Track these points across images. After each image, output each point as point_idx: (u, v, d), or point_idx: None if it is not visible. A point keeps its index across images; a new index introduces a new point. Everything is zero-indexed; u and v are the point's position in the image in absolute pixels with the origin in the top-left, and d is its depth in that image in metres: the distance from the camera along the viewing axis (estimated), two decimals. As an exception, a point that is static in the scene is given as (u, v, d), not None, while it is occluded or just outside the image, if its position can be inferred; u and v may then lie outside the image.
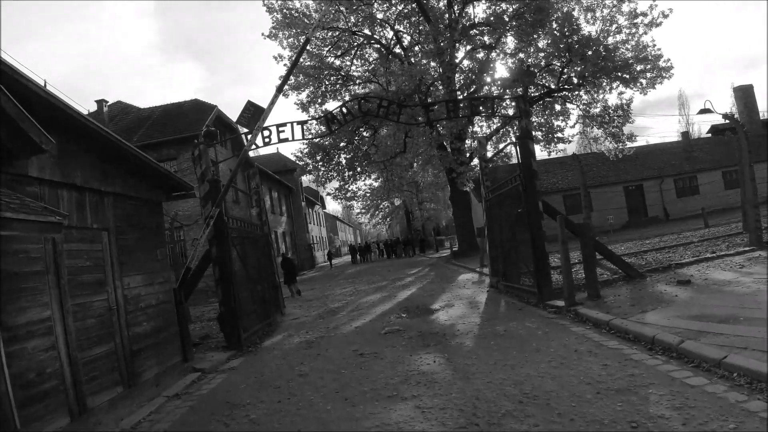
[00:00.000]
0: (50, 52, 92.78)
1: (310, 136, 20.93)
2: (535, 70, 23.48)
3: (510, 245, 11.13)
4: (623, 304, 7.93)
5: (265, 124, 9.31)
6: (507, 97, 18.25)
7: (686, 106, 60.08)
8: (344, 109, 9.70)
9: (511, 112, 24.11)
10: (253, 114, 8.58)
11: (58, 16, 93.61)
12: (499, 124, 24.24)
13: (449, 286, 14.37)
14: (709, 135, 40.78)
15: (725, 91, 76.90)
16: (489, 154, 14.71)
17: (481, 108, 10.21)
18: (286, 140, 9.30)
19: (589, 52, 20.71)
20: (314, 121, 15.31)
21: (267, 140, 9.32)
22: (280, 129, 9.31)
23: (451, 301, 11.35)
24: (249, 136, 8.82)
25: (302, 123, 9.43)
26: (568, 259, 8.51)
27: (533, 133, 19.08)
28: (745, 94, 36.86)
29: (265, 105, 8.63)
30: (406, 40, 27.85)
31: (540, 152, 29.59)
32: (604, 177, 33.21)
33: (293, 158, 26.48)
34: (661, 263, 11.19)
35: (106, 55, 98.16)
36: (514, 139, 11.84)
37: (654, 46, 22.86)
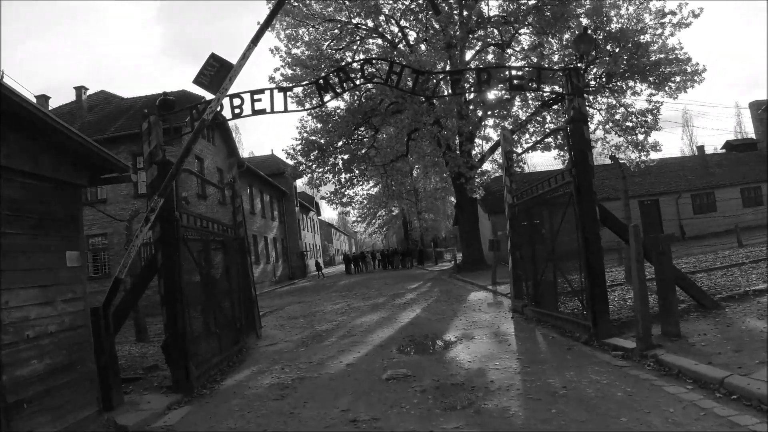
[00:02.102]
0: (53, 52, 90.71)
1: (295, 108, 18.47)
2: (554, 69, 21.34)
3: (545, 263, 8.81)
4: (719, 347, 5.67)
5: (238, 91, 7.03)
6: (556, 68, 15.74)
7: (690, 123, 58.21)
8: (341, 74, 7.36)
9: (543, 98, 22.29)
10: (218, 72, 6.28)
11: (62, 16, 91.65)
12: (530, 111, 21.83)
13: (461, 307, 12.01)
14: (724, 150, 39.05)
15: (727, 109, 75.27)
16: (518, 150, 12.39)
17: (521, 82, 7.89)
18: (262, 111, 7.00)
19: (617, 49, 18.59)
20: (300, 89, 12.99)
21: (237, 111, 7.01)
22: (256, 97, 7.01)
23: (469, 329, 8.99)
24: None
25: (285, 90, 7.11)
26: (645, 284, 6.18)
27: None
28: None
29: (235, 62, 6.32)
30: (412, 36, 25.71)
31: (554, 161, 27.51)
32: (617, 189, 31.20)
33: (285, 156, 24.05)
34: (730, 289, 8.90)
35: (109, 57, 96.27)
36: (547, 131, 9.52)
37: (681, 49, 20.86)
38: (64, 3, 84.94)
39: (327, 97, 7.65)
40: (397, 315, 11.76)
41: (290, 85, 6.88)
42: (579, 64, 17.60)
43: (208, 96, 7.01)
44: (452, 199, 49.17)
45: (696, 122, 67.27)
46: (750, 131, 58.78)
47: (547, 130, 22.20)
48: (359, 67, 7.80)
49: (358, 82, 8.03)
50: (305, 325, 11.68)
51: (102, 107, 27.27)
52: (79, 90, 27.40)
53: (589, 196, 7.09)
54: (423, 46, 23.96)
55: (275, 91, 7.00)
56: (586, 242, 7.03)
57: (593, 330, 7.04)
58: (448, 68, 21.89)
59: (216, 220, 8.89)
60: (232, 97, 7.04)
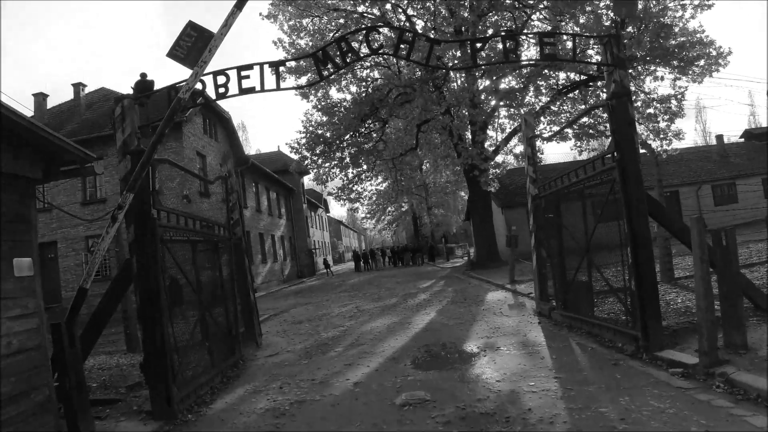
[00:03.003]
0: (54, 50, 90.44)
1: (289, 84, 17.34)
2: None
3: (579, 260, 7.77)
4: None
5: (224, 67, 6.04)
6: (593, 35, 14.42)
7: (702, 113, 56.47)
8: (342, 45, 6.32)
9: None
10: (196, 42, 5.31)
11: (64, 13, 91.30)
12: (546, 100, 20.61)
13: (479, 310, 10.99)
14: (743, 140, 37.67)
15: (740, 100, 73.08)
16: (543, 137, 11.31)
17: (553, 50, 6.82)
18: (251, 90, 6.01)
19: (639, 30, 17.36)
20: (294, 63, 11.95)
21: (222, 90, 6.02)
22: (243, 74, 6.01)
23: (492, 336, 7.98)
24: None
25: (277, 65, 6.09)
26: (710, 287, 5.14)
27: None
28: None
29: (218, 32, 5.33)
30: (420, 25, 24.56)
31: (570, 151, 26.31)
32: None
33: (288, 151, 23.06)
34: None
35: (113, 55, 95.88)
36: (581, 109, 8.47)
37: (703, 32, 19.61)
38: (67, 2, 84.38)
39: (327, 71, 6.60)
40: (410, 319, 10.77)
41: (283, 58, 5.84)
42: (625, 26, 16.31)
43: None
44: (462, 193, 48.15)
45: (708, 112, 65.42)
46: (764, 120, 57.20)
47: (563, 121, 21.01)
48: (363, 38, 6.74)
49: (362, 54, 6.99)
50: (310, 332, 10.71)
51: (101, 104, 26.44)
52: (77, 87, 26.57)
53: (636, 183, 6.03)
54: (432, 35, 22.87)
55: (266, 66, 5.99)
56: (633, 236, 5.98)
57: (642, 341, 6.00)
58: (458, 56, 20.82)
59: (205, 219, 7.93)
60: (215, 74, 6.05)
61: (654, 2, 19.23)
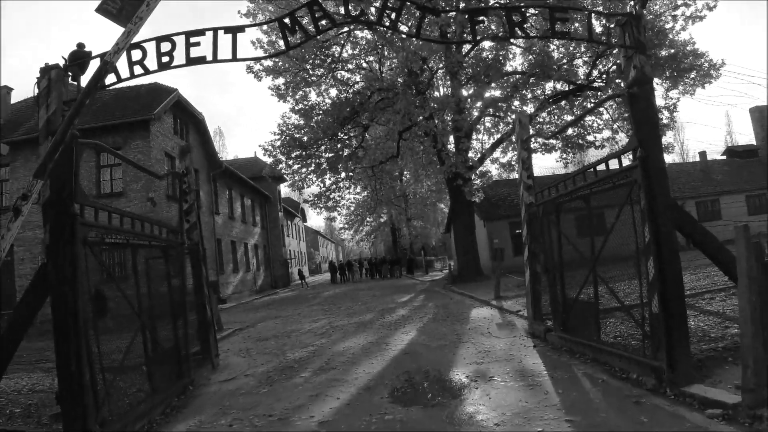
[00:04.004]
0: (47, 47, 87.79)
1: (251, 54, 15.82)
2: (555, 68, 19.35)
3: (582, 276, 6.80)
4: None
5: (167, 32, 4.95)
6: (610, 13, 13.52)
7: (682, 129, 57.00)
8: (315, 8, 5.22)
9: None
10: (128, -6, 4.22)
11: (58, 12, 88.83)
12: (538, 104, 19.71)
13: (464, 329, 9.95)
14: (725, 157, 37.93)
15: (719, 117, 74.22)
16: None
17: (564, 27, 5.90)
18: (201, 60, 4.91)
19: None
20: (257, 29, 10.74)
21: (167, 59, 4.91)
22: (193, 40, 4.92)
23: (482, 362, 6.93)
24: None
25: (234, 30, 5.01)
26: (756, 309, 4.19)
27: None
28: (761, 115, 33.92)
29: None
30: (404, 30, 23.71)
31: (556, 163, 25.66)
32: (606, 199, 29.71)
33: (262, 153, 21.87)
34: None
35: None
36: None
37: (694, 44, 19.22)
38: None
39: (294, 39, 5.54)
40: (388, 338, 9.67)
41: (242, 24, 4.87)
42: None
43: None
44: (442, 205, 47.33)
45: (687, 128, 66.04)
46: (745, 137, 58.02)
47: (552, 129, 20.23)
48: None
49: (338, 20, 5.97)
50: (275, 351, 9.52)
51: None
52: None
53: (662, 184, 5.09)
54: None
55: (221, 32, 4.91)
56: (659, 248, 5.02)
57: (667, 373, 5.02)
58: (442, 63, 19.99)
59: (149, 218, 6.73)
60: (159, 40, 4.94)
61: (645, 11, 18.75)
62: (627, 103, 5.48)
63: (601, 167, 6.39)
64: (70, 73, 5.37)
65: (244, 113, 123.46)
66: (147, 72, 4.98)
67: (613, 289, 6.18)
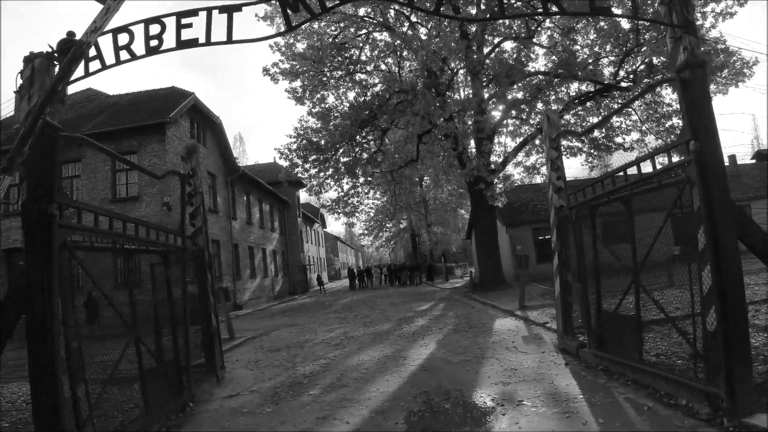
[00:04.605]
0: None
1: (247, 38, 15.71)
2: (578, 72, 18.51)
3: (627, 286, 6.08)
4: None
5: (158, 13, 4.44)
6: None
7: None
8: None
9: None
10: (108, -36, 3.72)
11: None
12: (563, 105, 18.88)
13: (487, 342, 9.25)
14: (753, 161, 36.58)
15: (745, 121, 71.94)
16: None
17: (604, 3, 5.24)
18: (193, 43, 4.37)
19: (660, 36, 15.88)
20: (257, 17, 10.21)
21: (155, 42, 4.39)
22: (184, 22, 4.39)
23: (509, 382, 6.25)
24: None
25: (230, 10, 4.42)
26: None
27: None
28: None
29: None
30: (423, 32, 23.10)
31: (581, 166, 24.73)
32: (643, 201, 28.61)
33: (278, 156, 21.40)
34: None
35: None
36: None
37: (724, 42, 18.29)
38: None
39: (297, 17, 4.99)
40: (406, 352, 9.02)
41: (238, 2, 4.36)
42: None
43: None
44: (463, 211, 46.48)
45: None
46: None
47: (579, 129, 19.35)
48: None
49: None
50: (286, 363, 8.96)
51: (83, 105, 24.98)
52: (61, 86, 25.04)
53: (720, 183, 4.39)
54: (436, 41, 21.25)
55: (215, 12, 4.37)
56: (717, 256, 4.32)
57: (726, 401, 4.31)
58: (463, 64, 19.30)
59: (144, 222, 6.22)
60: (147, 22, 4.43)
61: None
62: (678, 89, 4.79)
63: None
64: (57, 63, 4.90)
65: (264, 119, 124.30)
66: (134, 57, 4.47)
67: (660, 303, 5.46)
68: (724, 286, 4.34)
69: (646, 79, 18.25)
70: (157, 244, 6.32)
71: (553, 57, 19.86)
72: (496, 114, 20.10)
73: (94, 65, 4.77)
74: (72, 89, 21.64)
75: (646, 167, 5.71)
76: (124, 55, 4.52)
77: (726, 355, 4.34)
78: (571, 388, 5.81)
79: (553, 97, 20.15)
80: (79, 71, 4.78)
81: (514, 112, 20.12)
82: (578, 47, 19.68)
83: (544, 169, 19.65)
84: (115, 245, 5.41)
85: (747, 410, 4.28)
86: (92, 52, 4.80)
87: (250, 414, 6.02)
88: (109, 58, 4.51)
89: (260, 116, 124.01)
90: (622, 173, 6.01)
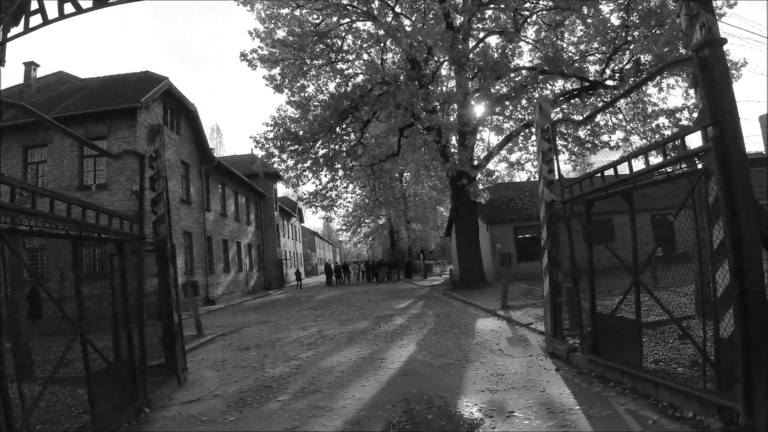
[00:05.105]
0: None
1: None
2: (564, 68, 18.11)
3: (628, 286, 5.63)
4: None
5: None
6: None
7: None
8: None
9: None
10: None
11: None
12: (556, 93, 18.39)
13: (470, 344, 8.75)
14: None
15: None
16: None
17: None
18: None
19: (656, 30, 15.55)
20: None
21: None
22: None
23: (497, 390, 5.73)
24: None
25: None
26: None
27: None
28: (772, 123, 32.93)
29: None
30: (407, 23, 22.47)
31: (564, 165, 24.45)
32: (622, 203, 28.40)
33: (253, 145, 20.63)
34: None
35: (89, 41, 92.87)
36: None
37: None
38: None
39: None
40: (384, 353, 8.46)
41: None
42: None
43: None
44: (442, 209, 46.08)
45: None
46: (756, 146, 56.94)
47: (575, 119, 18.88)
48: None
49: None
50: (254, 365, 8.32)
51: (54, 88, 23.85)
52: (29, 66, 23.80)
53: (743, 174, 3.93)
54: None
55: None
56: (737, 252, 3.86)
57: (744, 416, 3.86)
58: (448, 56, 18.75)
59: (97, 207, 5.49)
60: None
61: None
62: (696, 69, 4.31)
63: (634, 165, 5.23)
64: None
65: (244, 113, 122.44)
66: (79, 10, 3.80)
67: (665, 306, 5.01)
68: (745, 286, 3.88)
69: (633, 78, 17.99)
70: (109, 231, 5.62)
71: (539, 54, 19.51)
72: (480, 109, 19.67)
73: (36, 20, 4.11)
74: (42, 71, 20.60)
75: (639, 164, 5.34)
76: (68, 8, 3.85)
77: (745, 364, 3.89)
78: (565, 397, 5.32)
79: (537, 94, 19.78)
80: (19, 28, 4.12)
81: (498, 108, 19.70)
82: (564, 44, 19.36)
83: (528, 165, 19.28)
84: (67, 232, 4.72)
85: (767, 426, 3.84)
86: (34, 5, 4.15)
87: (211, 422, 5.40)
88: (52, 12, 3.85)
89: (240, 109, 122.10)
90: (611, 170, 5.55)
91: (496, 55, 18.45)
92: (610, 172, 5.81)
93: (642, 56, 17.39)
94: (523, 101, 19.49)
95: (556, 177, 7.45)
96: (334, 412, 5.37)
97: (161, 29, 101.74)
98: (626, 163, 5.59)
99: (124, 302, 5.93)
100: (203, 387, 7.03)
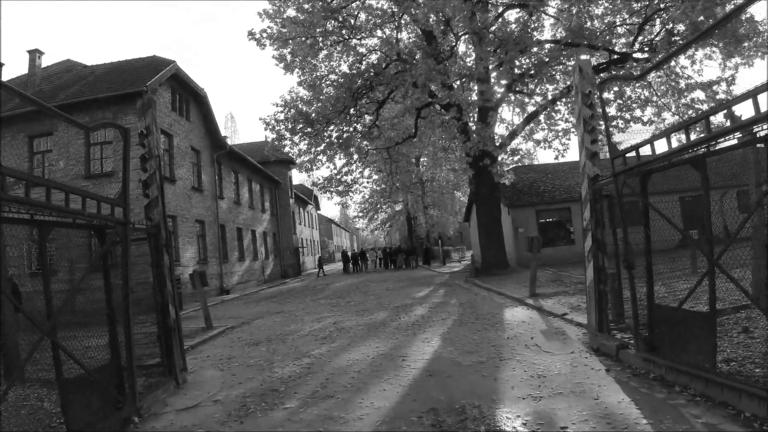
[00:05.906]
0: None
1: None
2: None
3: (705, 272, 4.70)
4: None
5: None
6: None
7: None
8: None
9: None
10: None
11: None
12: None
13: (501, 338, 7.87)
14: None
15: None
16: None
17: None
18: None
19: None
20: None
21: None
22: None
23: (540, 397, 4.84)
24: None
25: None
26: None
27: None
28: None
29: None
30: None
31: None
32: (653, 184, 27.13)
33: (263, 127, 19.80)
34: None
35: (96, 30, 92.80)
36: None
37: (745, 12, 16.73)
38: None
39: None
40: (405, 349, 7.63)
41: None
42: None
43: None
44: (460, 194, 44.95)
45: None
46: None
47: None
48: None
49: None
50: (262, 362, 7.56)
51: (60, 76, 23.28)
52: (33, 54, 23.24)
53: None
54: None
55: None
56: None
57: None
58: (466, 30, 17.66)
59: (75, 189, 4.66)
60: None
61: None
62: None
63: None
64: None
65: (259, 101, 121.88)
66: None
67: (752, 296, 4.07)
68: None
69: (666, 48, 16.68)
70: (83, 215, 4.83)
71: (561, 28, 18.31)
72: (500, 89, 18.56)
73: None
74: (48, 60, 20.01)
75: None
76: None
77: None
78: (625, 406, 4.42)
79: (561, 68, 18.60)
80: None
81: (519, 86, 18.56)
82: (590, 15, 18.09)
83: (556, 143, 18.09)
84: (32, 216, 3.93)
85: None
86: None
87: (205, 436, 4.63)
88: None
89: (254, 96, 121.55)
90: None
91: (518, 28, 17.32)
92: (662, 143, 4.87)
93: (679, 25, 16.11)
94: (545, 78, 18.30)
95: (605, 146, 6.46)
96: (349, 424, 4.55)
97: (175, 24, 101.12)
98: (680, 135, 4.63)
99: (106, 297, 5.16)
100: (203, 390, 6.28)
